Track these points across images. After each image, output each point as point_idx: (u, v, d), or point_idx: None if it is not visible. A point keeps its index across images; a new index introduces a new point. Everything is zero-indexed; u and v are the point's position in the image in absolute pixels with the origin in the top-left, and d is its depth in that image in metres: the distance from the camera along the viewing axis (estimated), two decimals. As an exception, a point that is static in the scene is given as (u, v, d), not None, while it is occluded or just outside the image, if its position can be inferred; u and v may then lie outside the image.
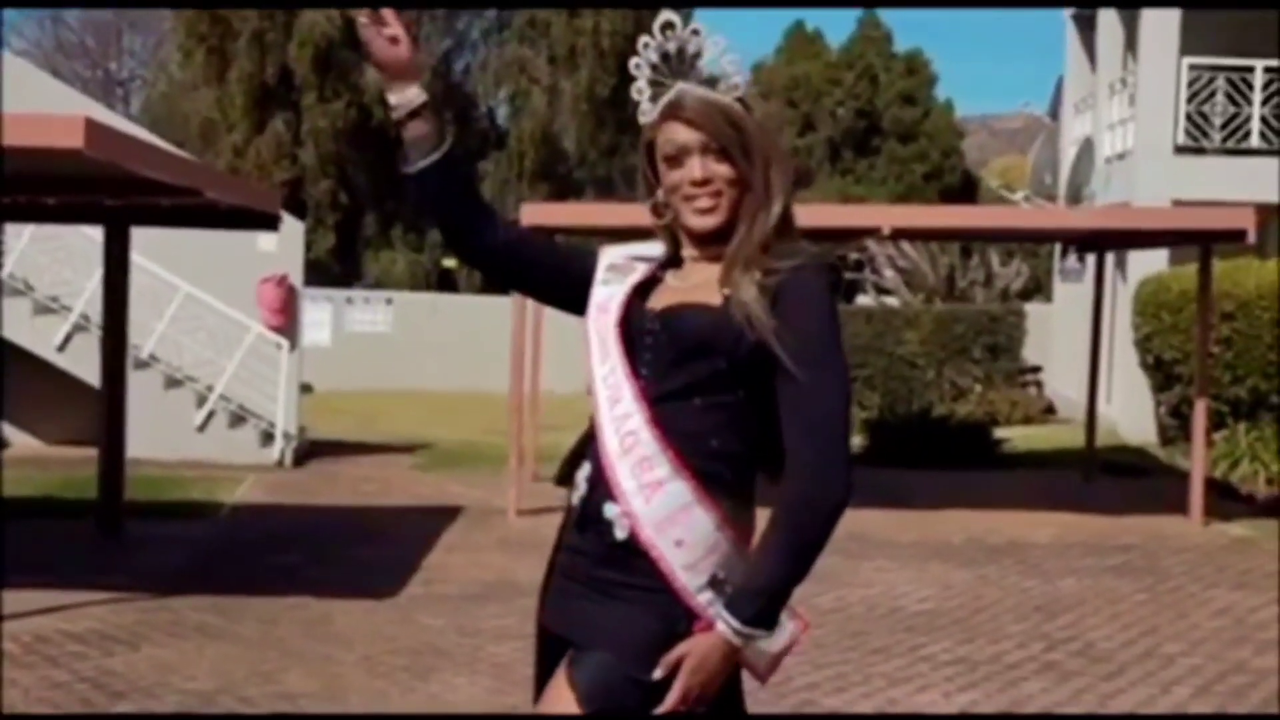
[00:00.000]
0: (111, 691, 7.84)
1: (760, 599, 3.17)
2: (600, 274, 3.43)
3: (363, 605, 10.23)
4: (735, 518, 3.26)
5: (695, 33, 3.31)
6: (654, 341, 3.29)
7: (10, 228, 18.55)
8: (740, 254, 3.23)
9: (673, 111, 3.28)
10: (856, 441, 20.26)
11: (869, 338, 25.84)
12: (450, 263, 39.32)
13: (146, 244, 16.16)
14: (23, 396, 19.02)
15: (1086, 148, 25.11)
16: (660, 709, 3.17)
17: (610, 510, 3.26)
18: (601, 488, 3.28)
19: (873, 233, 15.35)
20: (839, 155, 42.81)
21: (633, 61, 3.33)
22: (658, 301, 3.33)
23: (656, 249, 3.44)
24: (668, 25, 3.32)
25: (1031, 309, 28.30)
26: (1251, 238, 13.94)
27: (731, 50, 3.31)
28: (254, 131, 39.26)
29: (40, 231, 18.28)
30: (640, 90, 3.33)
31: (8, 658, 8.48)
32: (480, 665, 8.64)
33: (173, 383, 18.63)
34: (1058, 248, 25.90)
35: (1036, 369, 27.26)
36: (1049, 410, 25.88)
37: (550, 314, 20.65)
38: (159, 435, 17.32)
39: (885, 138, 42.98)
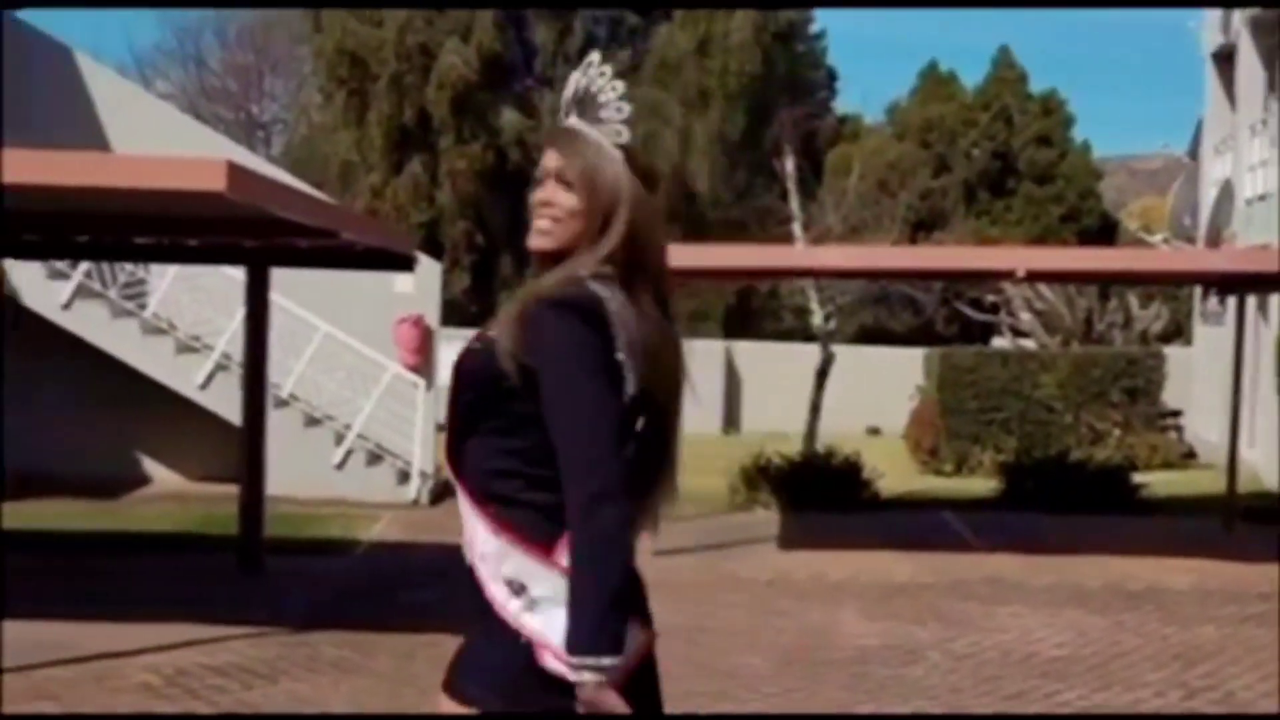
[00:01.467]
0: (250, 725, 7.96)
1: (581, 631, 3.13)
2: None
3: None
4: (517, 524, 3.27)
5: (601, 74, 3.43)
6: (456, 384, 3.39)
7: (155, 268, 18.94)
8: (534, 284, 3.34)
9: (548, 138, 3.47)
10: (992, 485, 20.11)
11: (1005, 381, 25.65)
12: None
13: (287, 285, 16.44)
14: (165, 434, 19.40)
15: (1226, 189, 24.80)
16: None
17: (470, 553, 3.36)
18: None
19: (1008, 275, 15.24)
20: (974, 197, 42.48)
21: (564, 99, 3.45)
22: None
23: None
24: (589, 65, 3.45)
25: (1171, 352, 27.96)
26: (1398, 281, 13.68)
27: (627, 99, 3.42)
28: (392, 173, 39.77)
29: (183, 272, 18.65)
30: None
31: (150, 690, 8.63)
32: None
33: (312, 421, 18.90)
34: (1198, 290, 25.55)
35: (1176, 413, 26.89)
36: (1189, 455, 25.53)
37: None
38: (298, 473, 17.56)
39: (1021, 179, 42.61)
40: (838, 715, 6.14)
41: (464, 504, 3.34)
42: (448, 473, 3.43)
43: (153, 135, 18.05)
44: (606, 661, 3.12)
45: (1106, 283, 26.31)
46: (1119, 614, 11.89)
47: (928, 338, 35.59)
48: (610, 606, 3.15)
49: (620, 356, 3.24)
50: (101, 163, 11.61)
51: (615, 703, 3.16)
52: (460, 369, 3.36)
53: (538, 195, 3.37)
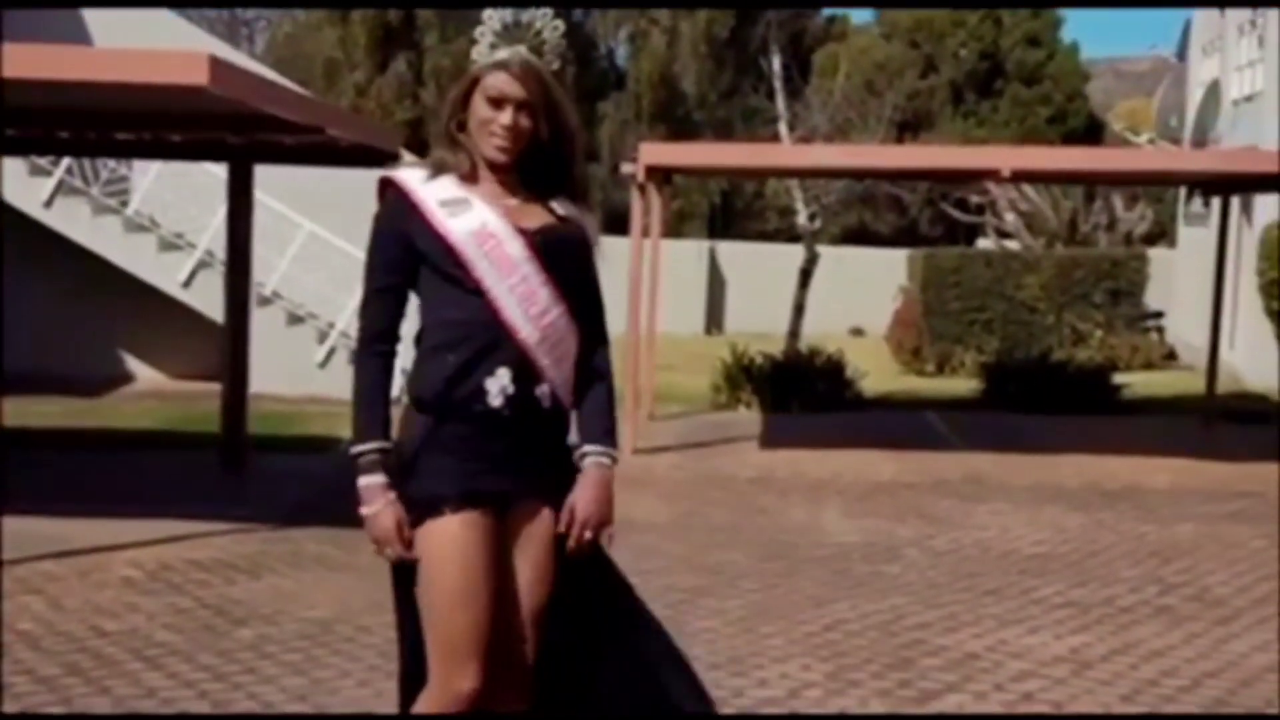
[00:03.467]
0: (233, 618, 8.01)
1: (615, 433, 4.26)
2: (435, 208, 4.07)
3: (479, 539, 10.33)
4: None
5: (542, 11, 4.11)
6: (545, 252, 4.10)
7: (137, 165, 18.86)
8: (571, 191, 4.21)
9: (505, 66, 4.06)
10: (974, 385, 20.22)
11: (988, 281, 25.72)
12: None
13: (272, 183, 16.39)
14: (147, 331, 19.39)
15: (1213, 90, 24.74)
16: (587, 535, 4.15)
17: (540, 390, 4.10)
18: (527, 377, 4.08)
19: (992, 175, 15.23)
20: (962, 98, 42.29)
21: (479, 29, 4.06)
22: (521, 220, 4.11)
23: (421, 172, 4.14)
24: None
25: (1154, 254, 28.01)
26: (1380, 182, 13.67)
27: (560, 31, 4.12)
28: (376, 71, 39.53)
29: (167, 169, 18.59)
30: (482, 41, 4.09)
31: (132, 584, 8.69)
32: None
33: (295, 319, 18.91)
34: (1182, 192, 25.54)
35: (1159, 314, 26.97)
36: (1170, 356, 25.63)
37: (669, 256, 20.72)
38: (281, 371, 17.59)
39: (1009, 80, 42.41)
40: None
41: (572, 353, 4.17)
42: (565, 322, 4.12)
43: (135, 31, 17.91)
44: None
45: (1090, 183, 26.30)
46: (1097, 512, 11.99)
47: (913, 239, 35.60)
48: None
49: None
50: (83, 56, 11.54)
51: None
52: (571, 239, 4.16)
53: (502, 120, 4.03)
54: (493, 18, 4.07)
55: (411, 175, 4.12)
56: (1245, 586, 9.45)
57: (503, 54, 4.06)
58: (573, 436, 4.24)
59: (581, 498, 4.12)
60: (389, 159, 14.11)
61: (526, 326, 4.05)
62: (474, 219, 4.06)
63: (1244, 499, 12.70)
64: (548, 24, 4.11)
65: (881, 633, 8.11)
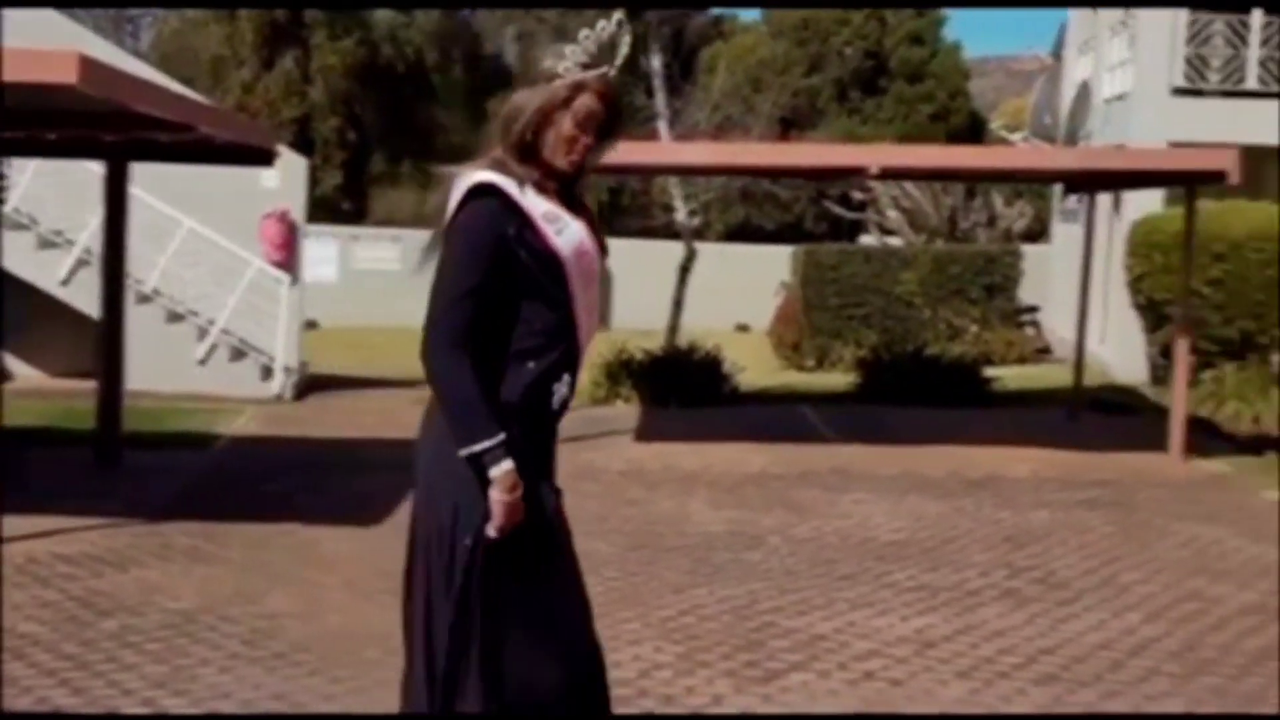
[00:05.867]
0: (98, 610, 8.13)
1: None
2: (542, 222, 4.21)
3: (350, 532, 10.51)
4: None
5: (620, 25, 4.28)
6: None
7: (16, 162, 18.81)
8: (582, 197, 4.43)
9: (601, 88, 4.25)
10: (851, 380, 20.56)
11: (867, 277, 26.11)
12: (457, 200, 39.49)
13: (152, 181, 16.45)
14: (26, 330, 19.33)
15: (1084, 90, 25.24)
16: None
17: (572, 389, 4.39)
18: (574, 379, 4.37)
19: (862, 172, 15.55)
20: (846, 95, 42.83)
21: (571, 47, 4.22)
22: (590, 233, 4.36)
23: (511, 181, 4.20)
24: (620, 21, 4.30)
25: (1030, 250, 28.51)
26: (1234, 179, 14.06)
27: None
28: (263, 68, 39.49)
29: (45, 166, 18.54)
30: (571, 58, 4.23)
31: None
32: (458, 588, 8.91)
33: (175, 317, 18.93)
34: (1057, 189, 26.05)
35: (1033, 309, 27.47)
36: (1044, 350, 26.13)
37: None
38: (161, 368, 17.62)
39: (892, 78, 43.00)
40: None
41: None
42: (588, 341, 4.38)
43: (18, 29, 17.86)
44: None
45: (963, 180, 26.76)
46: (957, 500, 12.31)
47: (797, 235, 36.00)
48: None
49: None
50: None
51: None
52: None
53: (585, 140, 4.24)
54: (589, 37, 4.23)
55: (510, 184, 4.19)
56: (1090, 570, 9.79)
57: (592, 76, 4.23)
58: None
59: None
60: (264, 156, 14.23)
61: (586, 336, 4.34)
62: (573, 235, 4.25)
63: (1099, 487, 13.08)
64: (623, 40, 4.30)
65: (735, 617, 8.36)
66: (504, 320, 4.21)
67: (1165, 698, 7.05)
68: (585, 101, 4.23)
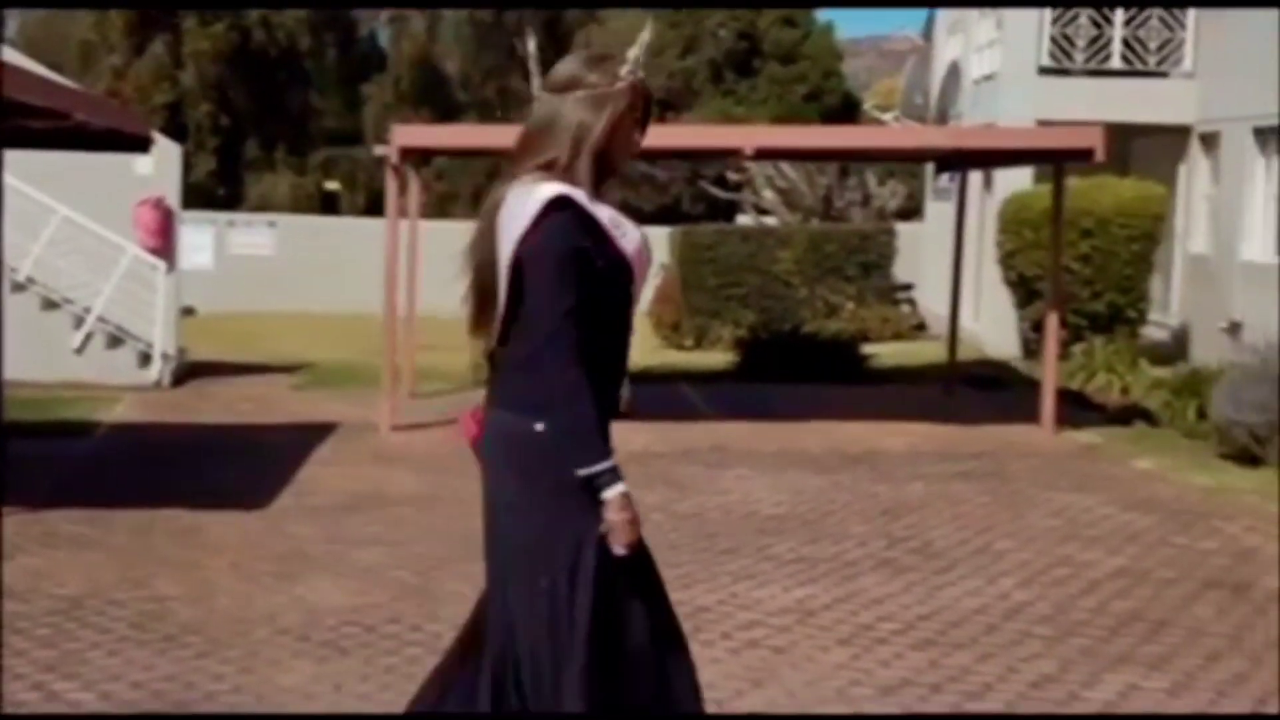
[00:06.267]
0: (-16, 597, 8.13)
1: None
2: (611, 229, 4.27)
3: (234, 516, 10.54)
4: None
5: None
6: None
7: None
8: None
9: (646, 90, 4.38)
10: (729, 358, 20.77)
11: (743, 257, 26.33)
12: (333, 185, 39.33)
13: (27, 168, 16.30)
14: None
15: (953, 70, 25.61)
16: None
17: None
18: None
19: (736, 153, 15.73)
20: (721, 77, 43.08)
21: (633, 50, 4.24)
22: None
23: (580, 191, 4.23)
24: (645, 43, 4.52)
25: (904, 228, 28.88)
26: (1100, 156, 14.40)
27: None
28: (133, 54, 39.07)
29: (-87, 155, 18.30)
30: (631, 63, 4.37)
31: (-117, 568, 8.75)
32: (345, 569, 9.00)
33: (50, 305, 18.75)
34: (929, 168, 26.41)
35: (908, 286, 27.83)
36: (920, 327, 26.49)
37: (429, 236, 20.92)
38: (37, 357, 17.44)
39: (766, 59, 43.30)
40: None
41: None
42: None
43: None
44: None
45: (836, 160, 27.07)
46: (836, 474, 12.53)
47: (675, 217, 36.18)
48: None
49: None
50: None
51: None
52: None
53: (639, 138, 4.36)
54: (644, 42, 4.47)
55: (581, 195, 4.20)
56: (965, 539, 10.04)
57: (640, 79, 4.33)
58: None
59: None
60: (139, 143, 14.15)
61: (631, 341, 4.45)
62: (635, 237, 4.32)
63: (974, 459, 13.37)
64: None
65: (620, 591, 8.50)
66: (588, 333, 4.19)
67: (1037, 659, 7.28)
68: (642, 105, 4.33)
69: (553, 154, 4.22)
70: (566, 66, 4.32)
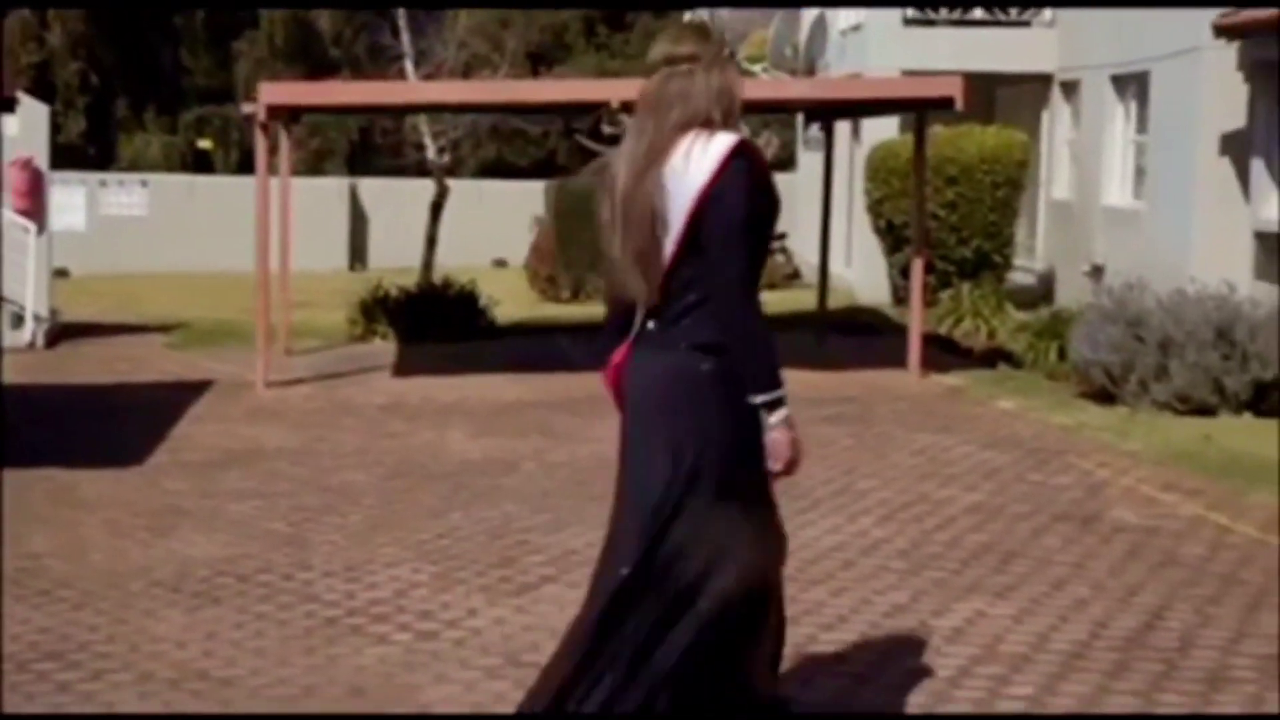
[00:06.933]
0: None
1: None
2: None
3: (108, 474, 10.61)
4: None
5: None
6: None
7: None
8: None
9: None
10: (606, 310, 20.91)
11: (617, 209, 26.43)
12: (206, 144, 39.05)
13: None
14: None
15: (820, 22, 25.90)
16: None
17: None
18: None
19: (604, 106, 15.88)
20: (594, 31, 43.14)
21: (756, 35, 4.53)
22: None
23: None
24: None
25: (779, 178, 29.07)
26: (959, 105, 14.65)
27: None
28: (-1, 14, 38.47)
29: None
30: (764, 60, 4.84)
31: None
32: (219, 523, 9.12)
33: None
34: (800, 118, 26.69)
35: (781, 236, 28.06)
36: (794, 275, 26.81)
37: (308, 195, 20.96)
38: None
39: (639, 12, 43.39)
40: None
41: None
42: None
43: None
44: None
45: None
46: (706, 421, 12.73)
47: (551, 170, 36.29)
48: None
49: None
50: None
51: None
52: None
53: None
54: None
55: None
56: (828, 480, 10.31)
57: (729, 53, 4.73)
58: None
59: None
60: (6, 104, 14.12)
61: None
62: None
63: (843, 404, 13.66)
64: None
65: (490, 536, 8.71)
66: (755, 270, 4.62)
67: (891, 591, 7.57)
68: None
69: (703, 115, 4.53)
70: (684, 43, 4.60)
